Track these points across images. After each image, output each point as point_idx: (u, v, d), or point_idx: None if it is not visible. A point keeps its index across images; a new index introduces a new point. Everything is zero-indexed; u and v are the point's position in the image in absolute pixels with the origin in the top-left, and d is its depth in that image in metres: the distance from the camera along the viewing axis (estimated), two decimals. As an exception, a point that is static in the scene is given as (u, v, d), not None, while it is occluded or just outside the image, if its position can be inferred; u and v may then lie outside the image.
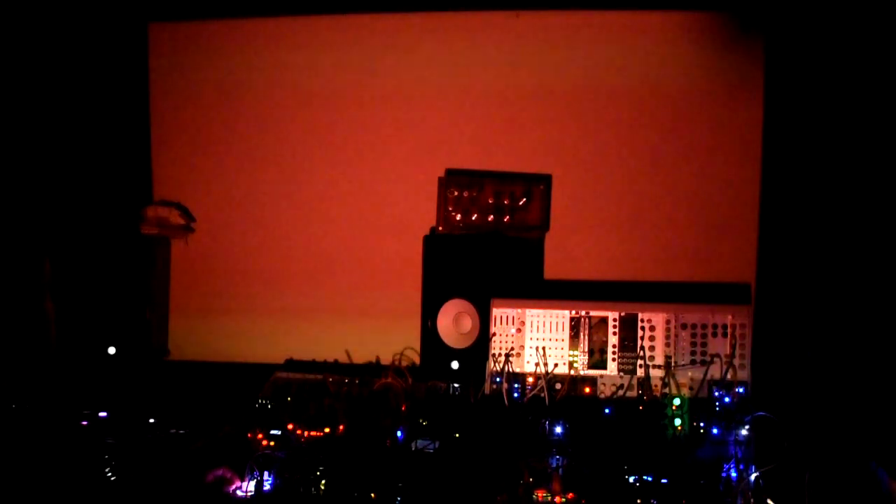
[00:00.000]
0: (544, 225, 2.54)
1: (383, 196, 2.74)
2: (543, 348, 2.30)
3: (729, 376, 2.19)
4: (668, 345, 2.27)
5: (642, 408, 2.14)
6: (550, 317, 2.32)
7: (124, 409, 2.30)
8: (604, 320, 2.30)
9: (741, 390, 2.18)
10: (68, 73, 2.73)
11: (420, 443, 2.07)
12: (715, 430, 2.04)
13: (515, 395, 2.26)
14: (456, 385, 2.36)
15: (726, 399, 2.13)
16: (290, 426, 2.16)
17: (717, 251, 2.59)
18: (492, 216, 2.51)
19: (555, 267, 2.60)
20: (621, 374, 2.28)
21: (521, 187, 2.51)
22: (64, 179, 2.72)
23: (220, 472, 2.01)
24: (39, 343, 2.59)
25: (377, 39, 2.70)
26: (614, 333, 2.29)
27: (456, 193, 2.51)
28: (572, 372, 2.29)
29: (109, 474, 2.05)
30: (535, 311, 2.33)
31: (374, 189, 2.74)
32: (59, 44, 2.71)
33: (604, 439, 2.03)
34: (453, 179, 2.53)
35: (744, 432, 2.00)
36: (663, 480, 1.92)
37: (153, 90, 2.81)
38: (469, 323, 2.43)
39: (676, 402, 2.09)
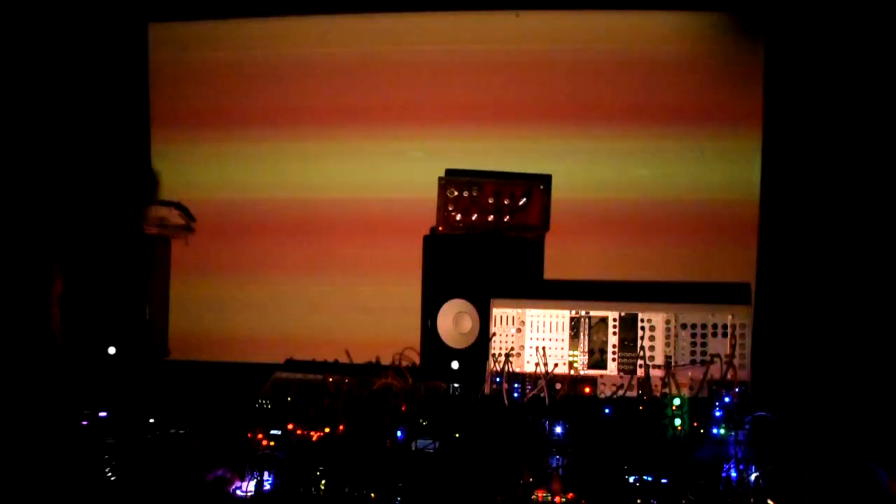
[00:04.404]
0: (544, 225, 2.54)
1: (383, 196, 2.74)
2: (543, 348, 2.30)
3: (729, 376, 2.19)
4: (668, 345, 2.27)
5: (642, 408, 2.14)
6: (550, 317, 2.32)
7: (124, 409, 2.30)
8: (604, 320, 2.30)
9: (741, 390, 2.18)
10: (68, 74, 2.73)
11: (420, 443, 2.07)
12: (715, 430, 2.04)
13: (515, 395, 2.26)
14: (456, 385, 2.37)
15: (726, 399, 2.13)
16: (290, 426, 2.16)
17: (717, 251, 2.59)
18: (492, 216, 2.50)
19: (555, 267, 2.60)
20: (621, 374, 2.28)
21: (521, 187, 2.51)
22: (64, 180, 2.72)
23: (220, 472, 2.01)
24: (42, 344, 2.59)
25: (377, 39, 2.70)
26: (614, 333, 2.29)
27: (456, 193, 2.51)
28: (572, 372, 2.29)
29: (109, 474, 2.05)
30: (535, 311, 2.33)
31: (374, 189, 2.74)
32: (60, 44, 2.71)
33: (604, 439, 2.03)
34: (453, 179, 2.53)
35: (744, 432, 2.00)
36: (663, 480, 1.92)
37: (153, 90, 2.81)
38: (469, 323, 2.43)
39: (676, 402, 2.09)
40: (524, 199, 2.50)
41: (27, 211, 2.65)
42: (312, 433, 2.14)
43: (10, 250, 2.59)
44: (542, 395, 2.23)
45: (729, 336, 2.23)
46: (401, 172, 2.72)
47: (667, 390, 2.22)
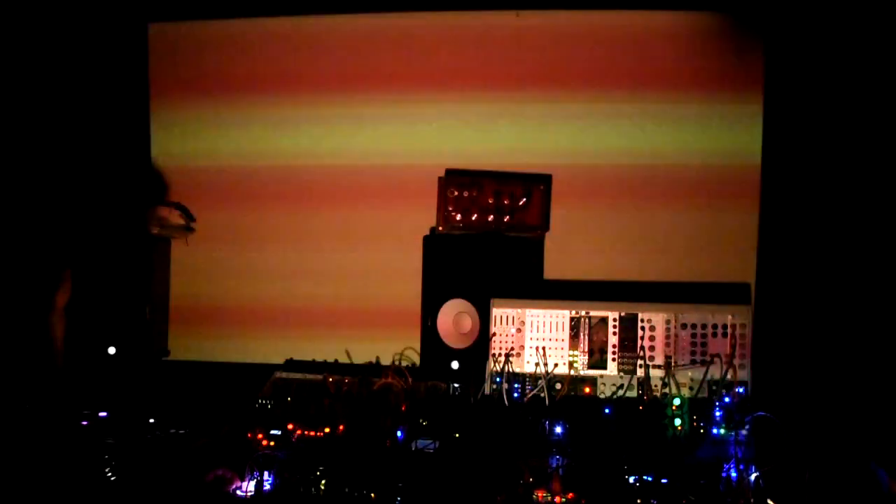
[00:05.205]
0: (544, 225, 2.54)
1: (383, 196, 2.74)
2: (543, 348, 2.30)
3: (729, 376, 2.19)
4: (668, 345, 2.26)
5: (642, 408, 2.14)
6: (550, 317, 2.32)
7: (124, 409, 2.30)
8: (604, 320, 2.30)
9: (741, 390, 2.18)
10: (68, 74, 2.73)
11: (420, 443, 2.07)
12: (715, 430, 2.04)
13: (515, 395, 2.26)
14: (456, 385, 2.36)
15: (726, 399, 2.13)
16: (290, 426, 2.16)
17: (717, 251, 2.59)
18: (492, 216, 2.50)
19: (555, 267, 2.60)
20: (621, 374, 2.27)
21: (521, 187, 2.51)
22: (63, 180, 2.72)
23: (220, 472, 2.01)
24: (44, 347, 2.58)
25: (377, 39, 2.70)
26: (614, 333, 2.29)
27: (456, 193, 2.51)
28: (572, 372, 2.29)
29: (109, 474, 2.05)
30: (535, 311, 2.33)
31: (374, 189, 2.74)
32: (60, 44, 2.71)
33: (604, 439, 2.03)
34: (453, 179, 2.53)
35: (744, 432, 2.00)
36: (663, 480, 1.92)
37: (153, 90, 2.81)
38: (469, 323, 2.43)
39: (676, 402, 2.09)
40: (524, 199, 2.50)
41: (28, 212, 2.65)
42: (312, 433, 2.15)
43: (13, 253, 2.59)
44: (542, 395, 2.23)
45: (729, 336, 2.23)
46: (401, 172, 2.72)
47: (667, 390, 2.22)
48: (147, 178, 2.82)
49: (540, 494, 1.92)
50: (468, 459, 2.00)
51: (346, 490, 1.96)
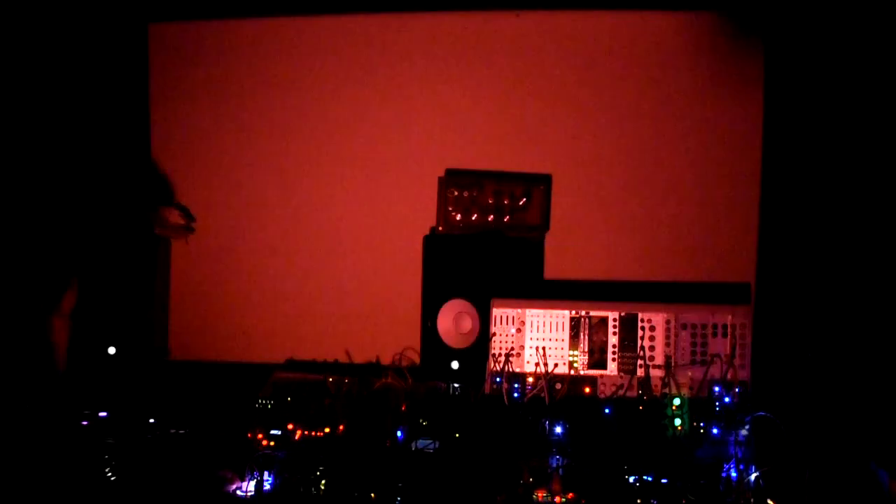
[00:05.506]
0: (544, 225, 2.54)
1: (383, 196, 2.74)
2: (543, 348, 2.30)
3: (729, 376, 2.19)
4: (668, 345, 2.27)
5: (642, 408, 2.15)
6: (550, 317, 2.32)
7: (124, 409, 2.30)
8: (604, 320, 2.30)
9: (741, 390, 2.18)
10: (68, 74, 2.73)
11: (420, 443, 2.07)
12: (715, 430, 2.04)
13: (515, 395, 2.27)
14: (456, 385, 2.37)
15: (726, 399, 2.13)
16: (290, 426, 2.16)
17: (717, 251, 2.59)
18: (492, 216, 2.51)
19: (555, 267, 2.60)
20: (621, 374, 2.28)
21: (521, 187, 2.51)
22: (63, 180, 2.71)
23: (220, 472, 2.01)
24: (45, 351, 2.58)
25: (377, 39, 2.70)
26: (614, 333, 2.29)
27: (456, 193, 2.51)
28: (572, 372, 2.29)
29: (109, 474, 2.05)
30: (535, 311, 2.33)
31: (374, 189, 2.74)
32: (60, 45, 2.71)
33: (604, 439, 2.04)
34: (453, 179, 2.53)
35: (744, 432, 2.00)
36: (663, 480, 1.93)
37: (153, 90, 2.81)
38: (469, 323, 2.43)
39: (676, 402, 2.09)
40: (524, 199, 2.51)
41: (28, 213, 2.65)
42: (312, 433, 2.15)
43: (14, 254, 2.59)
44: (542, 395, 2.23)
45: (729, 336, 2.23)
46: (401, 172, 2.72)
47: (667, 390, 2.22)
48: (147, 179, 2.82)
49: (540, 494, 1.92)
50: (468, 459, 2.00)
51: (346, 490, 1.96)
